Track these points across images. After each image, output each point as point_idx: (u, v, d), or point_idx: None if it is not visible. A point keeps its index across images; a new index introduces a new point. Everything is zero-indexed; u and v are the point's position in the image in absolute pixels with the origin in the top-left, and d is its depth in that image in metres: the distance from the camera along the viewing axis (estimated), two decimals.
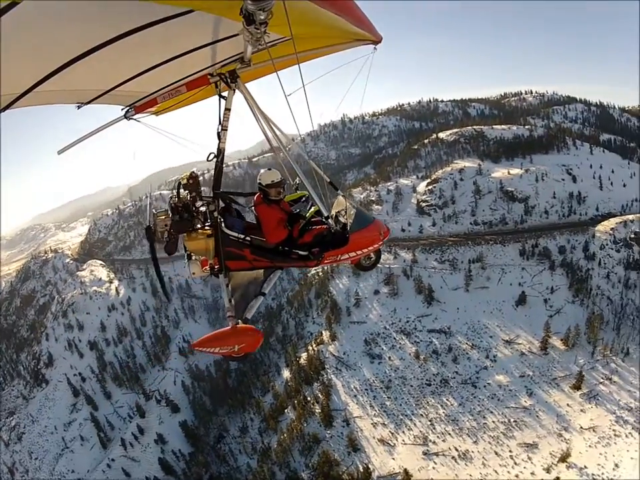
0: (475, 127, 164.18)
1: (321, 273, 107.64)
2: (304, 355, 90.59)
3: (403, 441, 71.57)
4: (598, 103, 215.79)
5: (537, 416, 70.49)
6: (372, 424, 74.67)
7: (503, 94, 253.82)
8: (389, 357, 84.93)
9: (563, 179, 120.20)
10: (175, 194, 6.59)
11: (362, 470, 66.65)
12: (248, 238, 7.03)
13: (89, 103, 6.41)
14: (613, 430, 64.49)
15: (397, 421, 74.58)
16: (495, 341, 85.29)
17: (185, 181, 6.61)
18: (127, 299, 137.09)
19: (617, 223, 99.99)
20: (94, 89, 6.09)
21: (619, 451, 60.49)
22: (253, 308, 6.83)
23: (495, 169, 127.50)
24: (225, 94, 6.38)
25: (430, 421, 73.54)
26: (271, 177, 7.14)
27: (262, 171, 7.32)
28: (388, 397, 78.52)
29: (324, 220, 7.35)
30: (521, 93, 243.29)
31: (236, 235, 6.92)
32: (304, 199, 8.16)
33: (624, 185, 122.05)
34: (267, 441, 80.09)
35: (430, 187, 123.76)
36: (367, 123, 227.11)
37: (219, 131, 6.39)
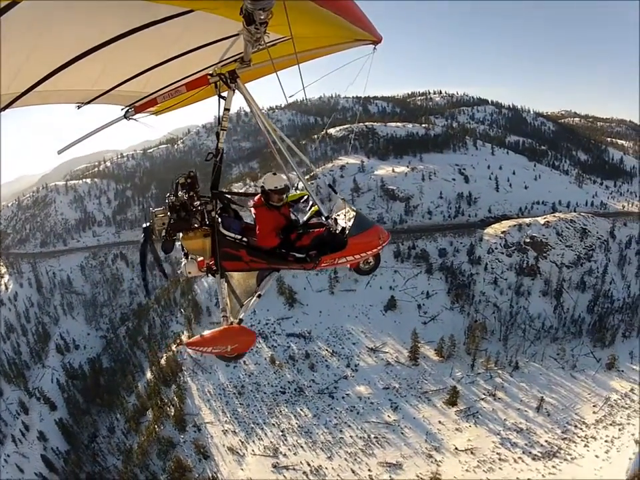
0: (367, 123, 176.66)
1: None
2: (165, 356, 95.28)
3: (253, 451, 74.10)
4: (511, 106, 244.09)
5: (402, 433, 71.89)
6: (222, 431, 78.24)
7: (410, 93, 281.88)
8: (244, 361, 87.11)
9: (454, 179, 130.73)
10: (173, 193, 7.19)
11: (211, 479, 69.90)
12: (245, 239, 7.69)
13: (89, 102, 7.12)
14: (497, 453, 66.05)
15: (248, 430, 77.41)
16: (358, 348, 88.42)
17: (182, 180, 7.23)
18: (15, 294, 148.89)
19: (510, 226, 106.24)
20: (94, 89, 6.72)
21: (505, 478, 61.97)
22: (247, 309, 7.70)
23: (380, 166, 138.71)
24: (224, 94, 6.92)
25: (282, 431, 76.04)
26: (274, 182, 7.78)
27: (267, 174, 7.98)
28: (240, 404, 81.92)
29: (322, 221, 8.15)
30: (429, 93, 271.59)
31: (233, 235, 7.59)
32: (304, 199, 8.81)
33: (525, 187, 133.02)
34: (129, 442, 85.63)
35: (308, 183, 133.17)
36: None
37: (218, 130, 7.13)
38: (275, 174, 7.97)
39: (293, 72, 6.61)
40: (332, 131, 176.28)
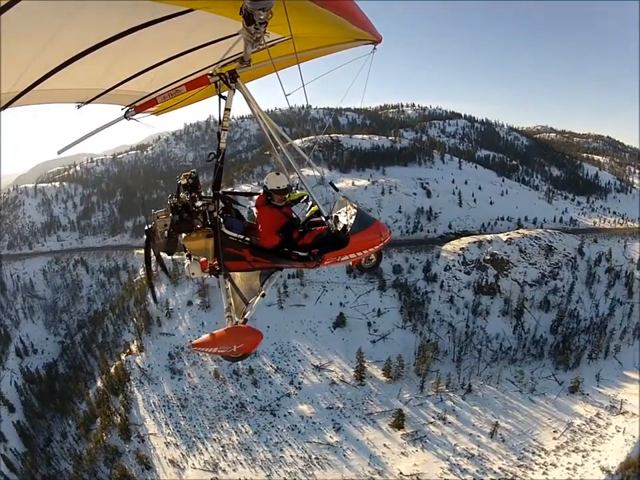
0: (332, 135, 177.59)
1: (144, 280, 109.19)
2: (115, 365, 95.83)
3: (193, 464, 74.05)
4: (484, 120, 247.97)
5: (345, 455, 70.42)
6: (165, 443, 78.36)
7: (382, 105, 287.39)
8: (189, 374, 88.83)
9: (415, 193, 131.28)
10: (175, 194, 7.32)
11: None
12: (247, 239, 7.79)
13: (88, 102, 7.14)
14: None
15: (190, 443, 77.67)
16: (304, 365, 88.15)
17: (184, 181, 7.33)
18: None
19: (469, 243, 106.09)
20: (94, 88, 6.76)
21: None
22: (251, 308, 7.83)
23: (340, 178, 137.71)
24: (224, 94, 6.96)
25: (222, 446, 75.75)
26: (277, 182, 7.95)
27: (270, 173, 8.10)
28: (183, 416, 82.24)
29: (324, 220, 8.13)
30: (402, 106, 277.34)
31: (235, 235, 7.70)
32: (304, 199, 9.02)
33: (491, 203, 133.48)
34: (80, 448, 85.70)
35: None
36: (232, 126, 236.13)
37: (219, 131, 7.17)
38: (277, 174, 8.08)
39: (293, 72, 6.80)
40: (297, 142, 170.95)
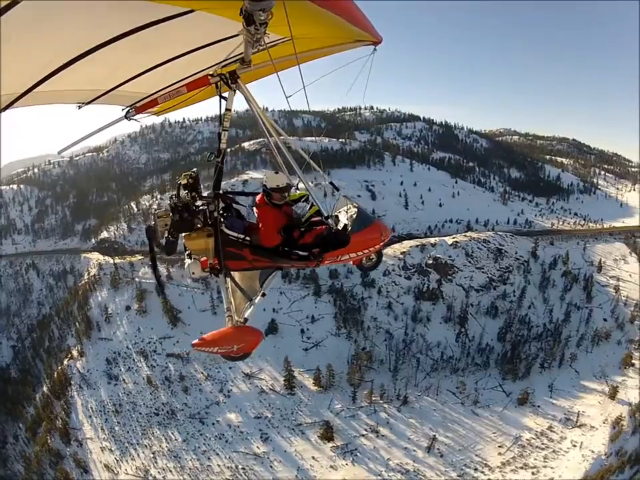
0: (281, 137, 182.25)
1: (87, 285, 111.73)
2: (57, 369, 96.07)
3: (126, 470, 74.83)
4: (443, 123, 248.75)
5: (272, 466, 70.64)
6: (101, 448, 79.15)
7: (341, 107, 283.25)
8: (124, 379, 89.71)
9: (359, 195, 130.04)
10: (175, 193, 7.32)
11: None
12: (248, 238, 7.81)
13: (89, 103, 7.16)
14: None
15: (123, 449, 78.39)
16: (234, 373, 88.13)
17: (184, 181, 7.33)
18: None
19: (411, 246, 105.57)
20: (94, 89, 6.77)
21: None
22: (252, 308, 7.83)
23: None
24: (225, 94, 6.90)
25: (153, 453, 76.48)
26: (276, 181, 7.91)
27: (268, 172, 8.09)
28: (117, 422, 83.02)
29: (324, 220, 8.16)
30: (359, 108, 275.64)
31: (236, 235, 7.72)
32: (304, 198, 9.00)
33: (440, 205, 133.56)
34: (29, 451, 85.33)
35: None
36: (185, 128, 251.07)
37: (220, 131, 7.08)
38: (276, 173, 8.09)
39: (292, 72, 7.21)
40: (245, 144, 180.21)
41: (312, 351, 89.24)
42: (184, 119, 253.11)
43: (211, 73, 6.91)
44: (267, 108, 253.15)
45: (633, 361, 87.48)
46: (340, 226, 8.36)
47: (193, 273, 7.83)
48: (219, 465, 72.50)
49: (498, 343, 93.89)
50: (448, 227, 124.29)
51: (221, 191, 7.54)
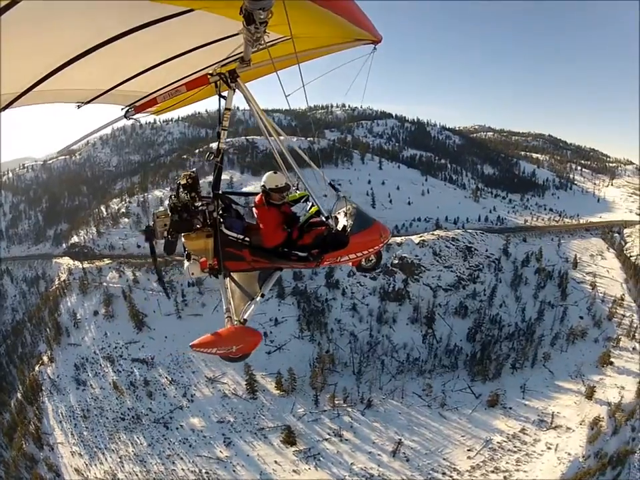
0: (249, 137, 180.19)
1: (58, 290, 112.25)
2: (30, 375, 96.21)
3: (95, 474, 75.05)
4: (415, 120, 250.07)
5: (234, 470, 70.87)
6: (71, 452, 79.48)
7: (312, 106, 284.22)
8: (92, 385, 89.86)
9: (326, 195, 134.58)
10: (175, 193, 7.39)
11: None
12: (247, 239, 7.86)
13: (88, 102, 7.17)
14: None
15: (92, 453, 78.70)
16: (197, 377, 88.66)
17: (184, 181, 7.38)
18: None
19: None
20: (94, 89, 6.81)
21: None
22: (251, 309, 7.73)
23: (250, 182, 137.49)
24: (224, 94, 7.00)
25: (120, 457, 76.80)
26: (275, 181, 7.97)
27: (267, 173, 8.10)
28: (86, 427, 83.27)
29: (324, 220, 8.18)
30: (331, 106, 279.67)
31: (235, 235, 7.78)
32: (304, 199, 9.06)
33: (409, 203, 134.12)
34: (7, 455, 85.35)
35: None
36: (156, 129, 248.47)
37: (219, 130, 7.26)
38: (275, 172, 8.16)
39: (292, 72, 7.14)
40: (213, 145, 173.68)
41: (275, 354, 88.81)
42: (155, 119, 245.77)
43: (210, 72, 7.01)
44: (238, 107, 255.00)
45: (611, 359, 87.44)
46: (339, 227, 8.40)
47: (193, 274, 7.95)
48: (183, 470, 72.64)
49: (467, 343, 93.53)
50: (416, 226, 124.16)
51: (220, 191, 7.62)
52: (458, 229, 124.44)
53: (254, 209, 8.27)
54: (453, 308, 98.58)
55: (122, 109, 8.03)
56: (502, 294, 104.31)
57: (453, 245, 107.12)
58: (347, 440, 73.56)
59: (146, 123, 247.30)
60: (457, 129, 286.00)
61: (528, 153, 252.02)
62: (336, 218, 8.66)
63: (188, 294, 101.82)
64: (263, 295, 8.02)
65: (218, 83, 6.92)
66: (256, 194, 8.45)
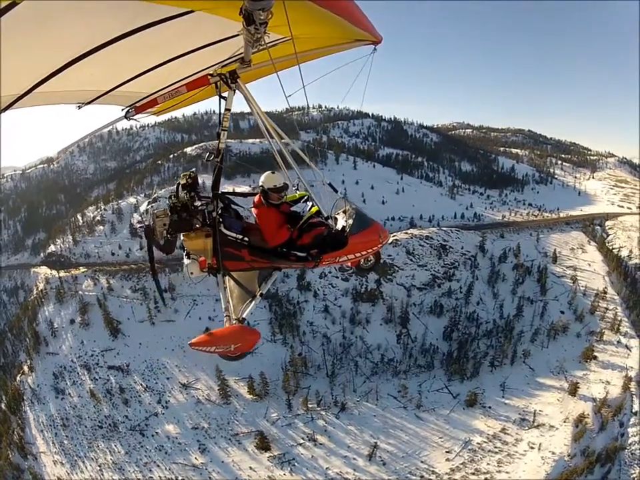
0: (283, 140, 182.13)
1: (36, 300, 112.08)
2: (12, 385, 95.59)
3: None
4: (392, 119, 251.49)
5: (210, 477, 70.64)
6: (53, 461, 79.04)
7: (289, 108, 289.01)
8: (70, 393, 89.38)
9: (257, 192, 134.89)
10: (174, 193, 7.64)
11: None
12: (246, 239, 8.06)
13: (89, 103, 7.35)
14: None
15: (72, 462, 78.27)
16: (172, 383, 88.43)
17: (183, 181, 7.62)
18: None
19: None
20: (94, 90, 6.97)
21: None
22: (249, 308, 7.96)
23: (223, 186, 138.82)
24: (225, 94, 7.17)
25: (99, 466, 76.42)
26: (273, 181, 8.25)
27: (265, 173, 8.33)
28: (66, 436, 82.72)
29: (324, 220, 8.54)
30: (308, 108, 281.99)
31: (234, 235, 7.98)
32: (304, 199, 9.27)
33: (383, 202, 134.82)
34: None
35: (148, 207, 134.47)
36: (132, 135, 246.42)
37: (219, 131, 7.39)
38: (273, 172, 8.40)
39: (293, 73, 7.56)
40: (188, 149, 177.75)
41: (247, 358, 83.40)
42: (131, 125, 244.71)
43: (210, 72, 7.16)
44: (213, 110, 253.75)
45: (594, 354, 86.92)
46: (338, 227, 8.62)
47: (192, 273, 8.12)
48: (160, 477, 72.39)
49: (443, 342, 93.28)
50: (390, 225, 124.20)
51: (219, 192, 7.81)
52: (433, 227, 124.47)
53: (253, 209, 8.54)
54: (428, 307, 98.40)
55: (122, 110, 8.20)
56: (479, 291, 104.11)
57: (427, 244, 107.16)
58: (321, 444, 73.23)
59: (122, 129, 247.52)
60: (435, 126, 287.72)
61: (507, 149, 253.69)
62: (335, 218, 8.90)
63: (160, 300, 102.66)
64: (262, 295, 8.25)
65: (218, 83, 7.08)
66: (255, 194, 8.74)
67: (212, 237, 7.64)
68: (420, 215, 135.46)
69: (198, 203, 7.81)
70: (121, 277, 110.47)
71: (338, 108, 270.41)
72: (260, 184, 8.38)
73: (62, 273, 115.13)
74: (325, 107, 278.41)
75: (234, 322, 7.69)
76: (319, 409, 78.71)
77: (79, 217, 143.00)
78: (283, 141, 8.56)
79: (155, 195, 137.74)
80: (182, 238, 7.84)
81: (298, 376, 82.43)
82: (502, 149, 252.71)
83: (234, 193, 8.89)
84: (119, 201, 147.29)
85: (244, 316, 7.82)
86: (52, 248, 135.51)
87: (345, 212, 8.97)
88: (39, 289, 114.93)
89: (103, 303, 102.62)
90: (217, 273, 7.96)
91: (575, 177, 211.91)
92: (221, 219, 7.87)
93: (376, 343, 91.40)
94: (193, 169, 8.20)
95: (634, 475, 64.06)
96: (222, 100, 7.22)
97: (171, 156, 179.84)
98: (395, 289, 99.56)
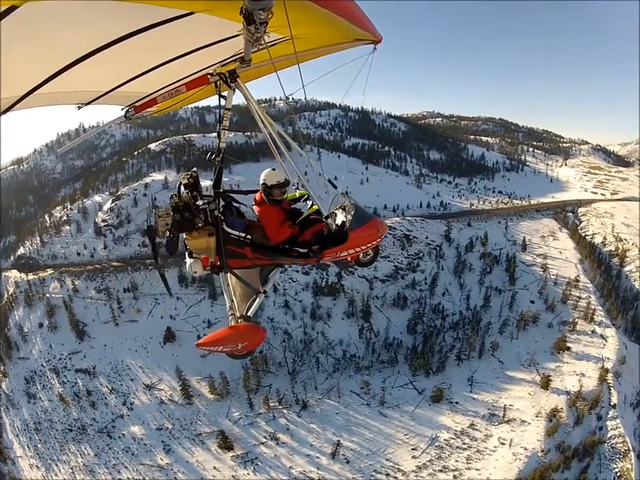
0: (186, 135, 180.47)
1: (7, 304, 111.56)
2: None
3: None
4: (359, 109, 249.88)
5: (176, 478, 71.53)
6: (29, 465, 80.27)
7: (256, 100, 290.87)
8: (41, 397, 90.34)
9: (258, 190, 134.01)
10: (176, 193, 7.73)
11: None
12: (249, 236, 8.12)
13: (89, 103, 7.54)
14: None
15: (47, 465, 79.33)
16: (136, 384, 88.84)
17: (185, 180, 7.73)
18: None
19: None
20: (95, 90, 7.13)
21: None
22: (254, 306, 8.09)
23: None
24: (224, 94, 7.26)
25: (72, 469, 77.18)
26: (276, 177, 8.25)
27: (265, 170, 8.37)
28: (39, 440, 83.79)
29: (323, 219, 8.46)
30: (274, 99, 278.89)
31: (237, 233, 8.03)
32: (304, 198, 9.32)
33: (346, 193, 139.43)
34: None
35: (112, 205, 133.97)
36: (98, 133, 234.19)
37: (219, 130, 7.55)
38: (273, 169, 8.43)
39: (292, 71, 7.35)
40: (152, 145, 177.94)
41: (209, 357, 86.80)
42: (97, 123, 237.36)
43: (210, 72, 7.11)
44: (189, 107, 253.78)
45: (567, 345, 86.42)
46: (338, 222, 8.65)
47: (195, 272, 8.11)
48: (128, 478, 73.22)
49: (408, 335, 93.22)
50: None
51: (221, 190, 7.79)
52: (397, 216, 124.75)
53: (254, 207, 8.56)
54: (391, 299, 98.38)
55: (122, 109, 8.18)
56: (444, 282, 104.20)
57: (390, 234, 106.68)
58: (284, 443, 73.70)
59: (89, 127, 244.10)
60: (405, 116, 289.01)
61: (478, 137, 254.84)
62: (334, 214, 8.85)
63: (123, 300, 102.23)
64: (265, 292, 8.26)
65: (218, 82, 7.07)
66: (256, 191, 8.70)
67: (215, 236, 7.71)
68: (384, 205, 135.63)
69: (200, 202, 7.80)
70: (85, 278, 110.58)
71: (305, 100, 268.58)
72: (262, 181, 8.38)
73: (30, 276, 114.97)
74: (292, 99, 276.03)
75: (239, 320, 7.81)
76: (280, 407, 78.96)
77: (47, 218, 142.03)
78: (284, 140, 8.30)
79: (119, 193, 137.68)
80: (184, 237, 7.82)
81: (259, 374, 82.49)
82: (472, 137, 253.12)
83: (235, 191, 8.80)
84: (85, 200, 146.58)
85: (249, 314, 7.93)
86: (21, 250, 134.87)
87: (344, 208, 9.02)
88: (9, 293, 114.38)
89: (69, 305, 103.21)
90: (220, 271, 8.08)
91: (547, 164, 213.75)
92: (223, 217, 7.89)
93: (338, 338, 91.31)
94: (194, 169, 8.18)
95: (616, 469, 63.88)
96: (221, 99, 7.31)
97: (136, 152, 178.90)
98: (356, 282, 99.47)
